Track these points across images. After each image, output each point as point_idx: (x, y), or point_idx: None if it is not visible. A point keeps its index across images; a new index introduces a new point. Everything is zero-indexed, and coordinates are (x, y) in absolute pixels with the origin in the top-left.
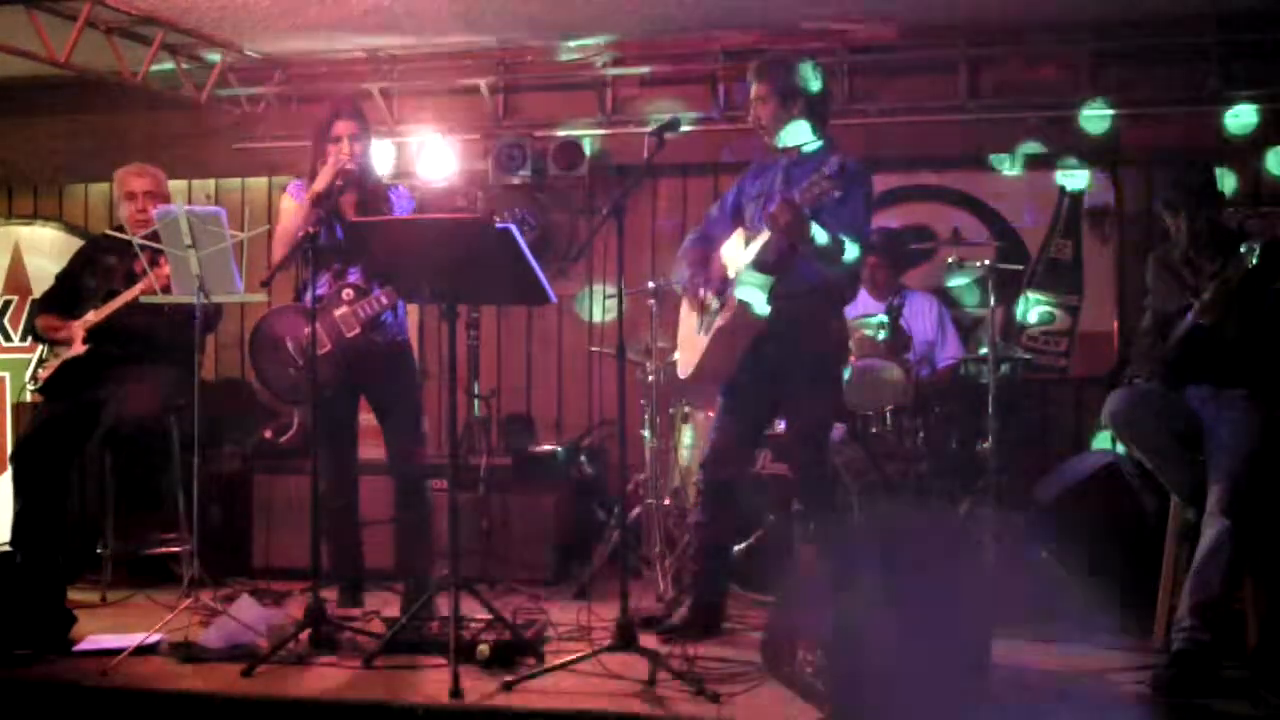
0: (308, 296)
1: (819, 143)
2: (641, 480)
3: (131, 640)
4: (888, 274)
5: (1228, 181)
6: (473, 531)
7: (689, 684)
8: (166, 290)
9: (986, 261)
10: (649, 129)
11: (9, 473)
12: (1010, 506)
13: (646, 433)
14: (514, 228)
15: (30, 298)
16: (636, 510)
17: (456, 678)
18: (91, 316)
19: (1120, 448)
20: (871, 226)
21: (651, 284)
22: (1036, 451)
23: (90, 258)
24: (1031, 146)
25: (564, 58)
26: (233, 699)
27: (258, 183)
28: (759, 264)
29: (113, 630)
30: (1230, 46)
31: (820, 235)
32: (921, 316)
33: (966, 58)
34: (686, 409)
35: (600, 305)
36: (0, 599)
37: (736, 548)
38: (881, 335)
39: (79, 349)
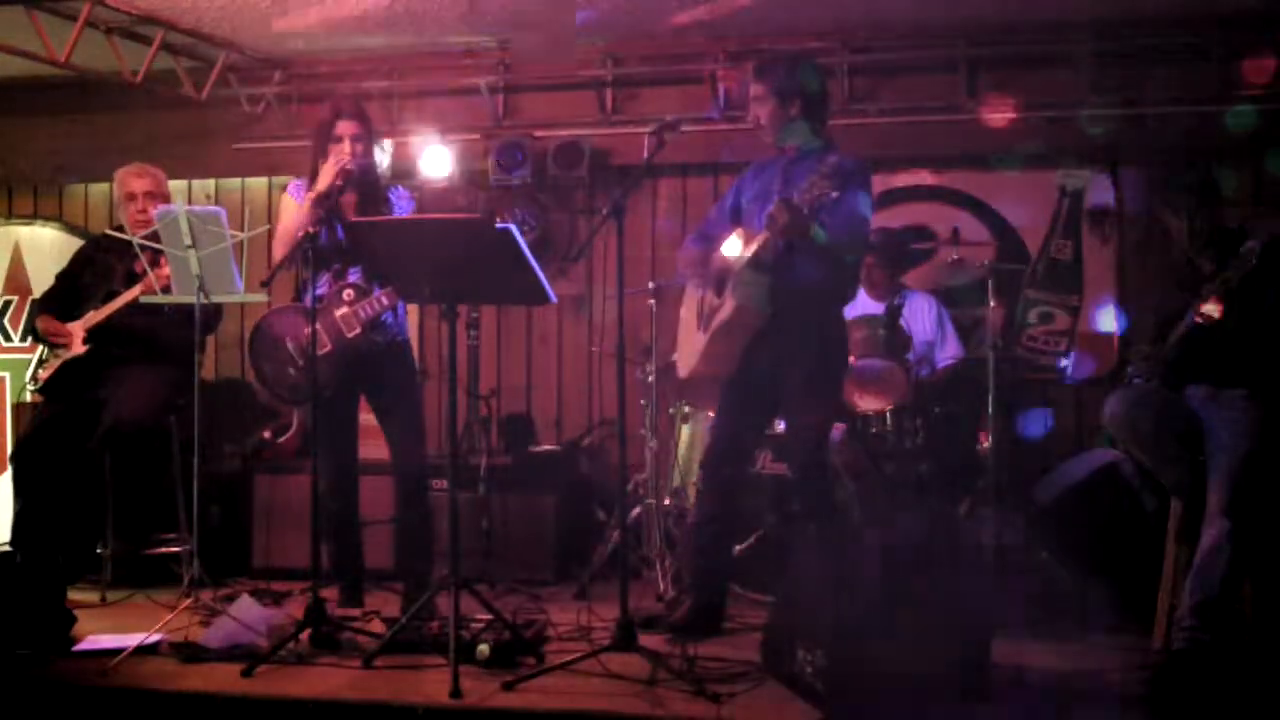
0: (308, 296)
1: (818, 142)
2: (641, 480)
3: (131, 640)
4: (886, 274)
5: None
6: (473, 531)
7: (689, 684)
8: (167, 290)
9: (986, 261)
10: (649, 129)
11: (9, 473)
12: (1010, 506)
13: (647, 432)
14: (514, 228)
15: (30, 298)
16: (636, 510)
17: (456, 678)
18: (92, 317)
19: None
20: (871, 226)
21: (651, 284)
22: (1036, 451)
23: (90, 258)
24: (1031, 146)
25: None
26: (233, 699)
27: (258, 183)
28: (757, 263)
29: (113, 630)
30: (1230, 46)
31: (818, 235)
32: (921, 316)
33: (966, 58)
34: (686, 409)
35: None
36: (0, 599)
37: (736, 548)
38: (881, 335)
39: (79, 349)
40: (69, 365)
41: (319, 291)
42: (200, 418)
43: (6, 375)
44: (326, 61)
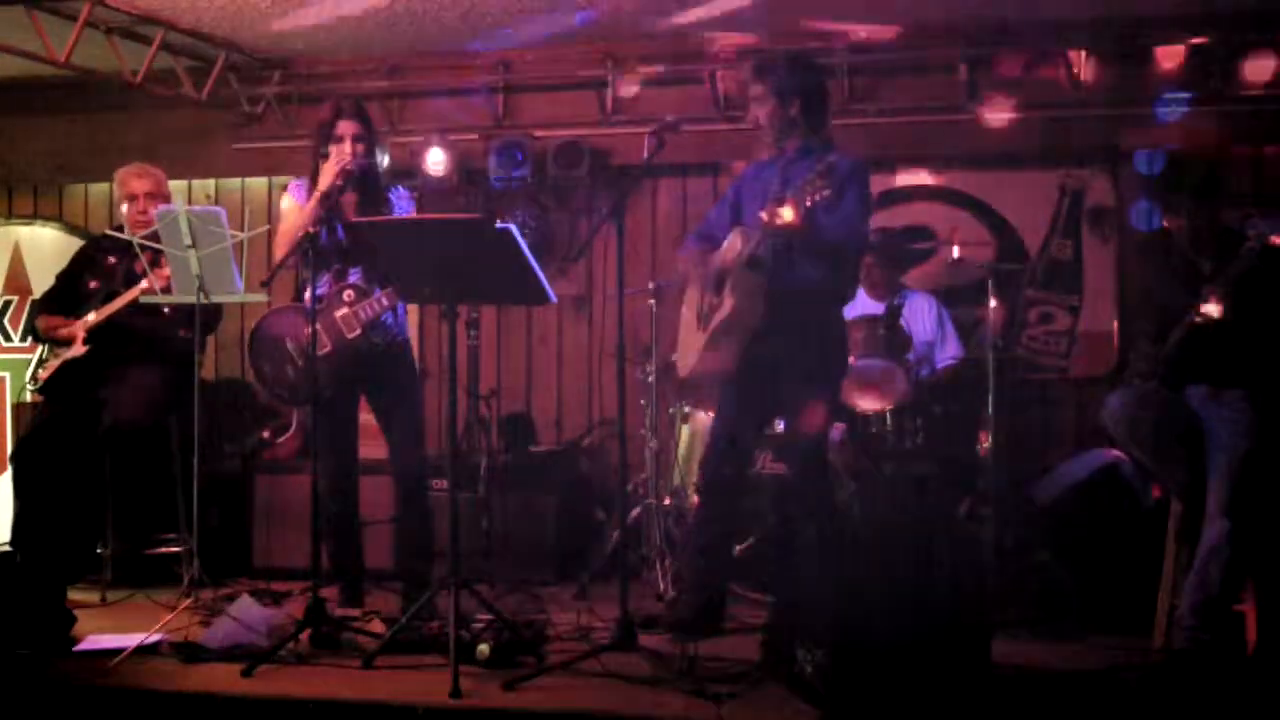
0: (308, 296)
1: (818, 142)
2: (641, 480)
3: (131, 640)
4: (886, 274)
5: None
6: (473, 531)
7: (689, 684)
8: (167, 291)
9: (986, 261)
10: (649, 129)
11: (9, 473)
12: (1010, 506)
13: (647, 432)
14: (514, 228)
15: (30, 298)
16: (636, 510)
17: (456, 678)
18: (92, 317)
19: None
20: (869, 225)
21: (651, 284)
22: (1036, 451)
23: (90, 258)
24: (1031, 146)
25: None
26: (233, 699)
27: (258, 183)
28: (754, 263)
29: (113, 630)
30: (1230, 46)
31: (815, 234)
32: (921, 316)
33: (966, 58)
34: (686, 409)
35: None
36: (0, 599)
37: (736, 548)
38: (881, 335)
39: (79, 349)
40: (69, 365)
41: (319, 292)
42: (200, 418)
43: (6, 375)
44: (326, 61)
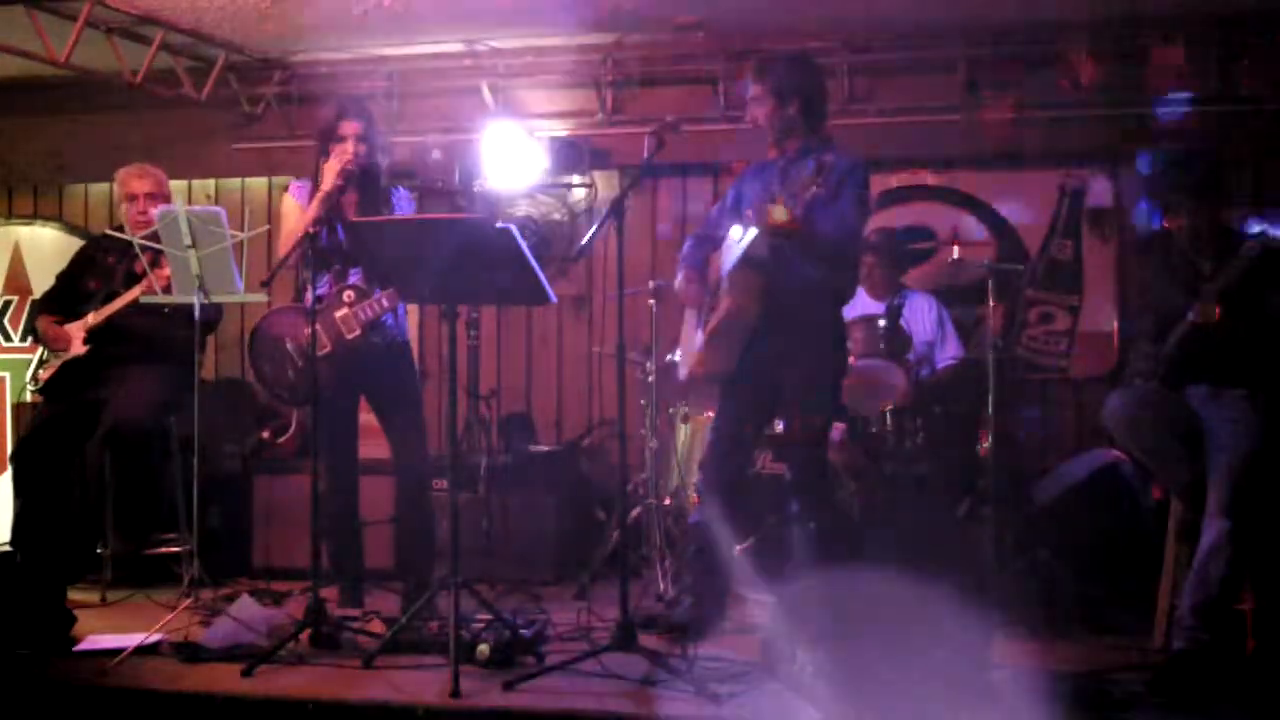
0: (308, 297)
1: (817, 142)
2: (641, 480)
3: (131, 640)
4: (886, 274)
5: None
6: (473, 531)
7: (689, 684)
8: (167, 291)
9: (986, 261)
10: (649, 129)
11: (9, 473)
12: (1010, 506)
13: (647, 432)
14: (514, 228)
15: (30, 298)
16: (636, 510)
17: (456, 678)
18: (92, 318)
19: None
20: (867, 224)
21: (651, 284)
22: (1036, 451)
23: (91, 258)
24: (1031, 146)
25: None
26: (233, 699)
27: (258, 183)
28: (751, 262)
29: (113, 630)
30: (1230, 46)
31: (810, 233)
32: (921, 316)
33: (966, 58)
34: (686, 409)
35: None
36: (0, 599)
37: (736, 548)
38: (881, 335)
39: (79, 349)
40: (69, 365)
41: (319, 292)
42: (200, 418)
43: (6, 375)
44: (326, 61)
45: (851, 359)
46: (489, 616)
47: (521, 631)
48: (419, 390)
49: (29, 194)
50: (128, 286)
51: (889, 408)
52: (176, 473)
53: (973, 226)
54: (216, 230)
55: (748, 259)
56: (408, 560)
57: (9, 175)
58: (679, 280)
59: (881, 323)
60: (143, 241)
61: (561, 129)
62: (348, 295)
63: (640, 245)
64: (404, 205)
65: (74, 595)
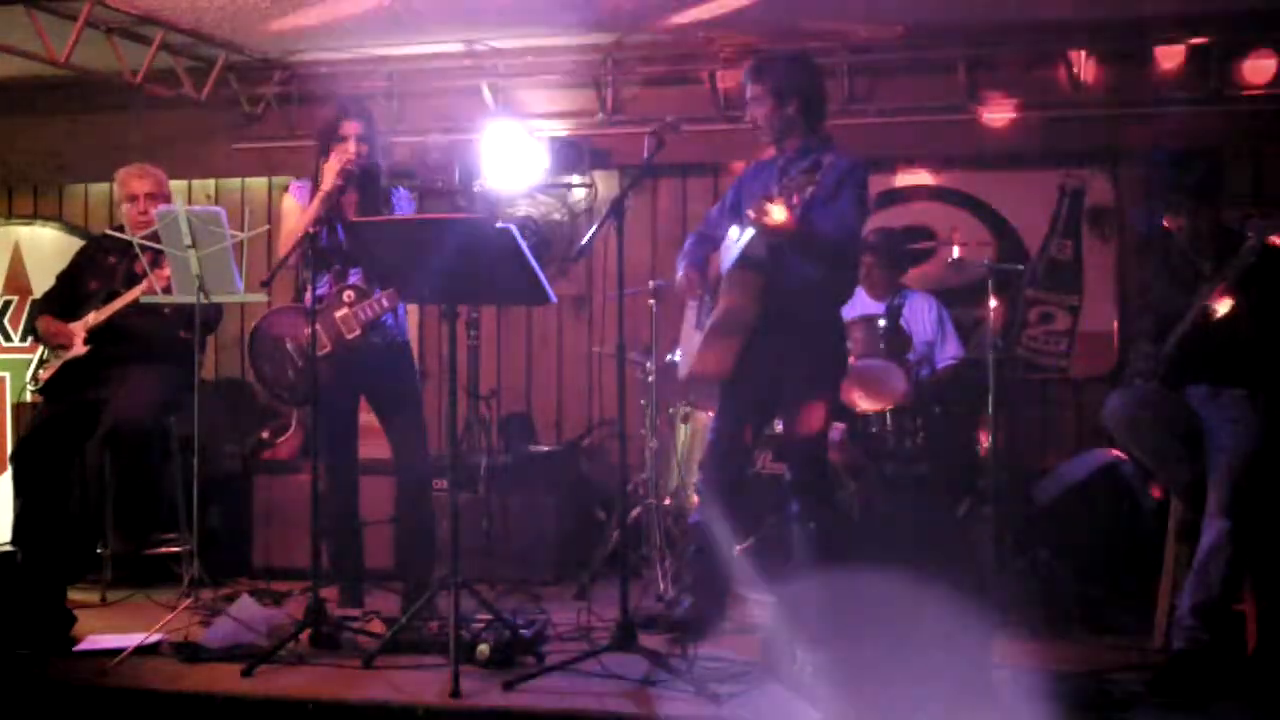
0: (308, 297)
1: (816, 142)
2: (641, 480)
3: (131, 640)
4: (885, 274)
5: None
6: (473, 531)
7: (689, 684)
8: (167, 291)
9: (986, 261)
10: (649, 129)
11: (9, 473)
12: (1010, 506)
13: (647, 432)
14: (514, 227)
15: (30, 298)
16: (636, 510)
17: (456, 678)
18: (92, 318)
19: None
20: (865, 224)
21: (652, 284)
22: (1036, 451)
23: (91, 258)
24: (1031, 146)
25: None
26: (233, 699)
27: (258, 183)
28: (749, 262)
29: (113, 630)
30: (1230, 46)
31: (808, 233)
32: (921, 316)
33: (966, 58)
34: (686, 409)
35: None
36: (0, 599)
37: (736, 548)
38: (881, 335)
39: (80, 349)
40: (69, 365)
41: (319, 292)
42: (200, 418)
43: (6, 375)
44: (326, 61)
45: (851, 359)
46: (489, 616)
47: (521, 631)
48: (419, 390)
49: (29, 194)
50: (128, 286)
51: (889, 408)
52: (176, 473)
53: (973, 226)
54: (216, 230)
55: (746, 259)
56: (408, 560)
57: (9, 175)
58: (679, 275)
59: (881, 323)
60: (143, 241)
61: (561, 129)
62: (348, 295)
63: (640, 245)
64: (404, 205)
65: (74, 595)
